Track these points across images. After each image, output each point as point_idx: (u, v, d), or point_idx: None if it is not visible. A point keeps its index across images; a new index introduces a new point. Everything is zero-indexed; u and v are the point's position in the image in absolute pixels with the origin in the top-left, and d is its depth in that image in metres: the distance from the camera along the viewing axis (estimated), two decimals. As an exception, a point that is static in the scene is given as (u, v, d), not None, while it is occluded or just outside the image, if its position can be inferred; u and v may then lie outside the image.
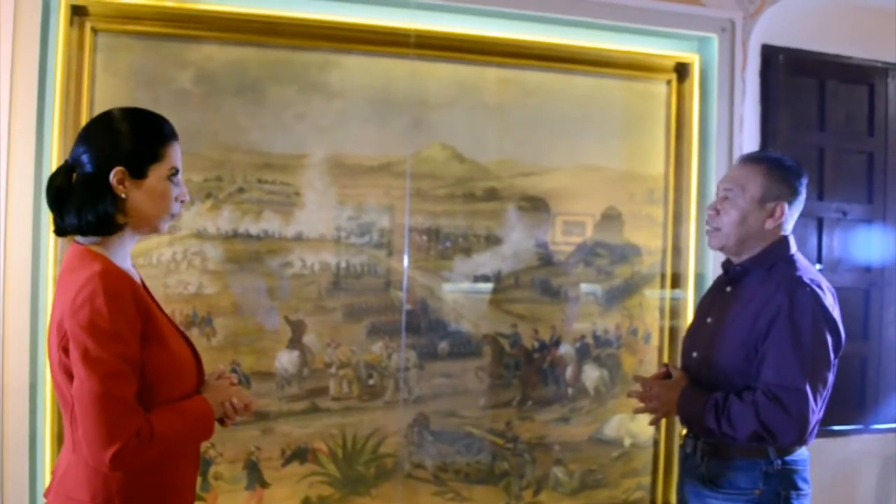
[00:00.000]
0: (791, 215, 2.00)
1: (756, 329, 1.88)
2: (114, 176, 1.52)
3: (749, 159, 2.04)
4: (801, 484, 1.93)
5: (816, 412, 1.84)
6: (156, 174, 1.56)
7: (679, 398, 1.96)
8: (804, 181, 2.00)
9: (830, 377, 1.88)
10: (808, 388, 1.81)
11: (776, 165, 1.99)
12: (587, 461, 2.90)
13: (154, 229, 1.62)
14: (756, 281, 1.96)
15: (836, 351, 1.88)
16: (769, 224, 1.96)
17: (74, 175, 1.54)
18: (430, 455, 2.74)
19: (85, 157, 1.53)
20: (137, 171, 1.54)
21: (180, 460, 1.61)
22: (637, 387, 2.08)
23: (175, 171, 1.59)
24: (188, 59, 2.51)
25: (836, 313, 1.89)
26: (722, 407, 1.86)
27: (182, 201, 1.63)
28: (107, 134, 1.55)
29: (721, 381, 1.93)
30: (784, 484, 1.90)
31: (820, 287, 1.89)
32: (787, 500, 1.90)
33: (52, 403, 2.36)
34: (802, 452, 1.96)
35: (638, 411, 2.06)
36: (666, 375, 2.05)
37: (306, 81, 2.61)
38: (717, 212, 2.01)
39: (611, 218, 2.93)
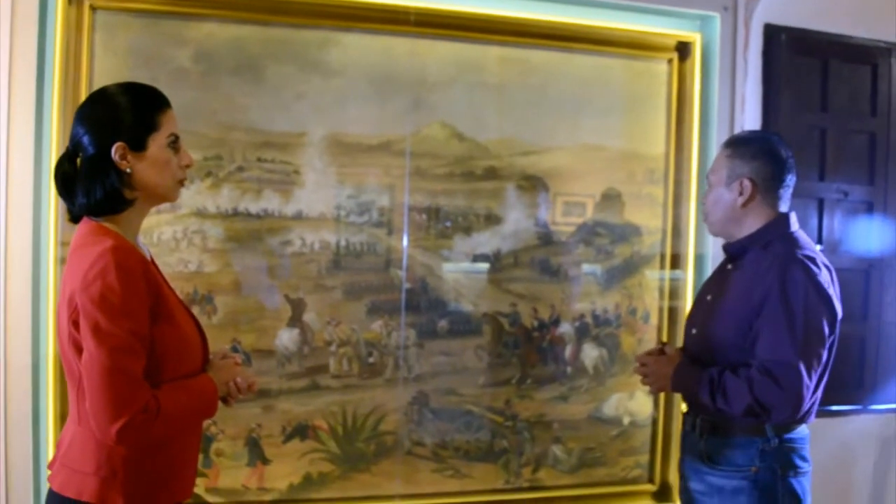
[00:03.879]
0: (770, 191, 1.98)
1: (750, 305, 1.89)
2: (115, 152, 1.53)
3: (723, 145, 2.08)
4: (799, 462, 1.94)
5: (811, 388, 1.84)
6: (156, 143, 1.57)
7: (673, 373, 1.98)
8: (775, 155, 1.98)
9: (825, 353, 1.89)
10: (801, 364, 1.81)
11: (739, 144, 2.03)
12: (586, 439, 2.92)
13: (165, 198, 1.64)
14: (753, 258, 1.97)
15: (830, 327, 1.89)
16: (739, 201, 1.98)
17: (78, 159, 1.55)
18: (429, 432, 2.76)
19: (85, 139, 1.54)
20: (137, 144, 1.55)
21: (184, 436, 1.63)
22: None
23: (175, 138, 1.60)
24: (187, 37, 2.51)
25: (832, 290, 1.90)
26: (717, 382, 1.87)
27: (187, 166, 1.64)
28: (102, 111, 1.56)
29: (717, 357, 1.95)
30: (781, 462, 1.91)
31: (815, 263, 1.89)
32: (784, 478, 1.91)
33: (55, 382, 2.38)
34: (802, 430, 1.97)
35: (643, 384, 2.11)
36: (661, 352, 2.07)
37: (305, 60, 2.60)
38: (705, 200, 2.08)
39: (611, 198, 2.92)
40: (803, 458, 1.96)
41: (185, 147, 1.63)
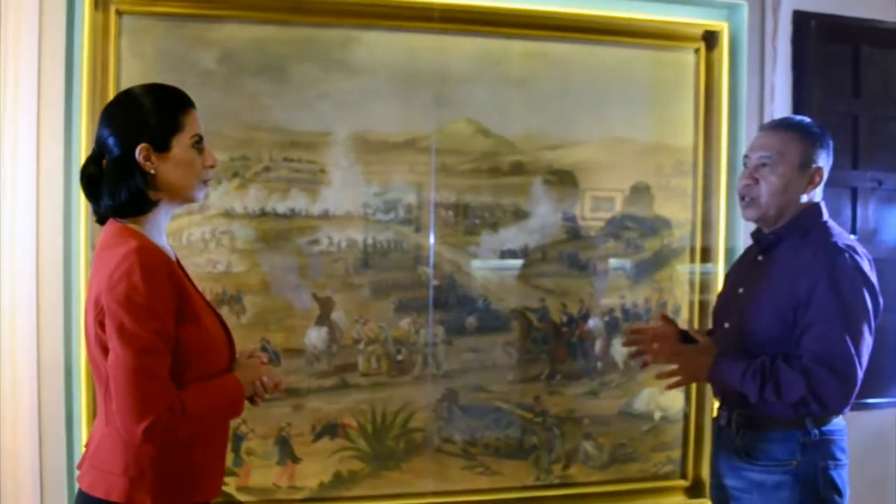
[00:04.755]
0: (825, 182, 1.97)
1: (795, 296, 1.84)
2: (139, 153, 1.54)
3: (779, 126, 2.00)
4: (838, 454, 1.90)
5: (861, 377, 1.81)
6: (179, 144, 1.57)
7: (714, 362, 1.91)
8: (832, 145, 1.97)
9: (872, 342, 1.85)
10: (854, 354, 1.78)
11: (809, 131, 1.95)
12: (617, 435, 2.89)
13: (189, 199, 1.64)
14: (790, 248, 1.92)
15: (875, 316, 1.85)
16: (809, 190, 1.93)
17: (104, 161, 1.56)
18: (459, 430, 2.76)
19: (110, 141, 1.55)
20: (161, 145, 1.56)
21: (211, 436, 1.64)
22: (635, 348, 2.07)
23: (199, 138, 1.60)
24: (211, 39, 2.52)
25: (874, 279, 1.86)
26: (769, 371, 1.82)
27: (211, 167, 1.64)
28: (126, 113, 1.57)
29: (755, 350, 1.90)
30: (822, 454, 1.87)
31: (857, 252, 1.86)
32: (825, 471, 1.87)
33: (87, 384, 2.41)
34: (839, 422, 1.92)
35: (661, 376, 1.98)
36: (686, 338, 2.01)
37: (329, 59, 2.61)
38: (756, 181, 1.95)
39: (640, 191, 2.89)
40: (843, 451, 1.91)
41: (210, 148, 1.64)
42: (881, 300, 1.88)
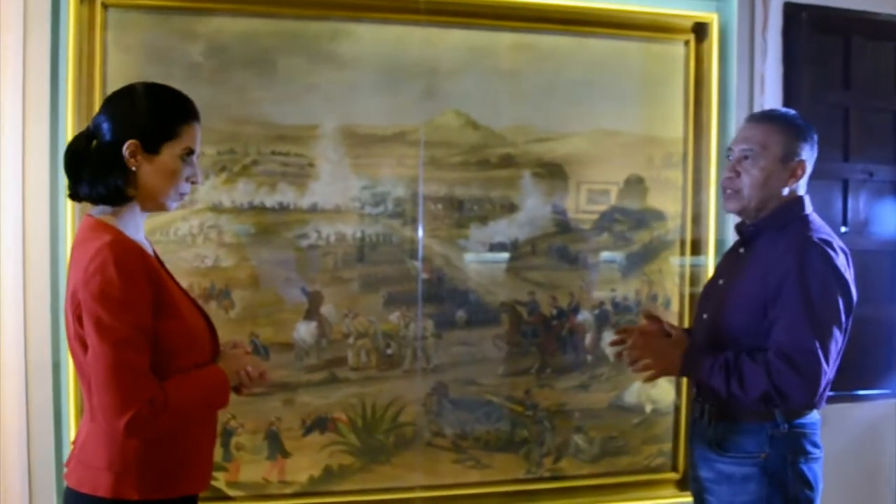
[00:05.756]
0: (808, 175, 1.96)
1: (765, 289, 1.85)
2: (126, 148, 1.54)
3: (762, 118, 2.00)
4: (809, 448, 1.90)
5: (827, 374, 1.80)
6: (169, 152, 1.58)
7: (683, 355, 1.92)
8: (816, 138, 1.96)
9: (841, 339, 1.85)
10: (819, 350, 1.77)
11: (792, 123, 1.95)
12: (607, 428, 2.89)
13: (159, 206, 1.64)
14: (768, 241, 1.92)
15: (847, 312, 1.84)
16: (791, 183, 1.92)
17: (94, 142, 1.57)
18: (449, 423, 2.75)
19: (105, 126, 1.56)
20: (151, 146, 1.56)
21: (197, 429, 1.64)
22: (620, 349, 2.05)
23: (190, 152, 1.61)
24: (198, 32, 2.51)
25: (848, 274, 1.85)
26: (733, 366, 1.83)
27: (193, 182, 1.64)
28: (127, 106, 1.58)
29: (729, 341, 1.90)
30: (791, 448, 1.88)
31: (831, 247, 1.84)
32: (794, 464, 1.87)
33: (75, 380, 2.40)
34: (813, 416, 1.92)
35: (637, 369, 1.98)
36: (665, 333, 2.02)
37: (317, 52, 2.59)
38: (738, 173, 1.95)
39: (633, 184, 2.88)
40: (814, 444, 1.91)
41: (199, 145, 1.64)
42: (854, 296, 1.87)
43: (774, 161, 1.92)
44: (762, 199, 1.94)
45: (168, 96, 1.62)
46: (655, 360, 1.95)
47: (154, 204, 1.63)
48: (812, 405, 1.89)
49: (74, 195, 1.60)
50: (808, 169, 1.95)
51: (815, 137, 1.96)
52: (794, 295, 1.80)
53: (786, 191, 1.94)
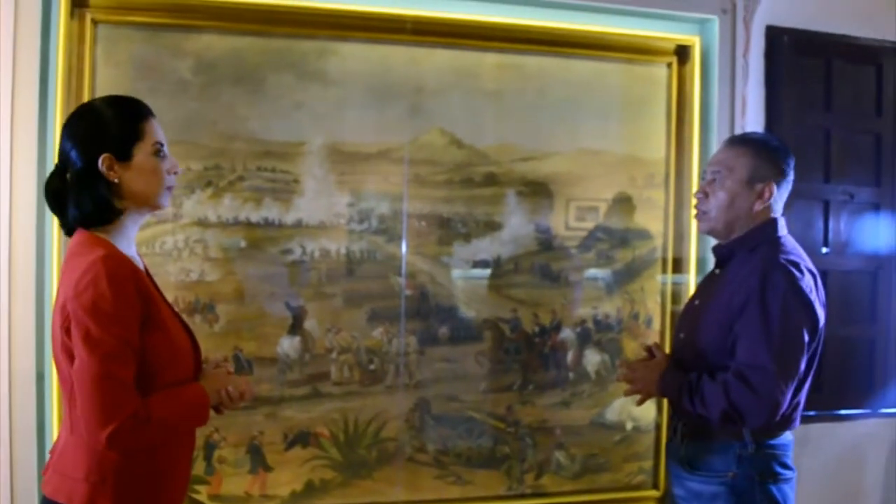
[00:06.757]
0: (780, 197, 1.99)
1: (731, 309, 1.88)
2: (102, 163, 1.56)
3: (735, 141, 2.04)
4: (779, 469, 1.92)
5: (786, 394, 1.81)
6: (142, 152, 1.61)
7: (659, 379, 1.97)
8: (791, 162, 1.99)
9: (804, 360, 1.86)
10: (775, 369, 1.79)
11: (763, 146, 1.98)
12: (589, 445, 2.91)
13: (155, 205, 1.67)
14: (739, 262, 1.96)
15: (811, 333, 1.86)
16: (758, 206, 1.96)
17: (68, 175, 1.59)
18: (431, 439, 2.77)
19: (73, 154, 1.58)
20: (123, 154, 1.59)
21: (175, 444, 1.66)
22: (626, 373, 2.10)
23: (160, 146, 1.64)
24: (187, 48, 2.54)
25: (814, 296, 1.87)
26: (695, 387, 1.86)
27: (175, 172, 1.67)
28: (86, 125, 1.60)
29: (701, 361, 1.94)
30: (760, 468, 1.90)
31: (798, 268, 1.87)
32: (762, 485, 1.89)
33: (58, 391, 2.40)
34: (785, 437, 1.95)
35: (627, 393, 2.08)
36: (652, 356, 2.06)
37: (304, 69, 2.63)
38: (706, 195, 2.00)
39: (621, 203, 2.92)
40: (784, 465, 1.93)
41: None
42: (820, 316, 1.89)
43: (740, 183, 1.96)
44: (728, 220, 1.98)
45: (120, 102, 1.65)
46: (638, 382, 2.04)
47: (149, 206, 1.66)
48: (783, 425, 1.91)
49: (68, 230, 1.62)
50: (778, 192, 1.98)
51: (790, 160, 1.99)
52: (754, 314, 1.82)
53: (755, 212, 1.96)
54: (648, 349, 2.10)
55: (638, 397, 2.08)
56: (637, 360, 2.08)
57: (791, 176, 2.00)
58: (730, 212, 1.97)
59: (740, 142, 2.02)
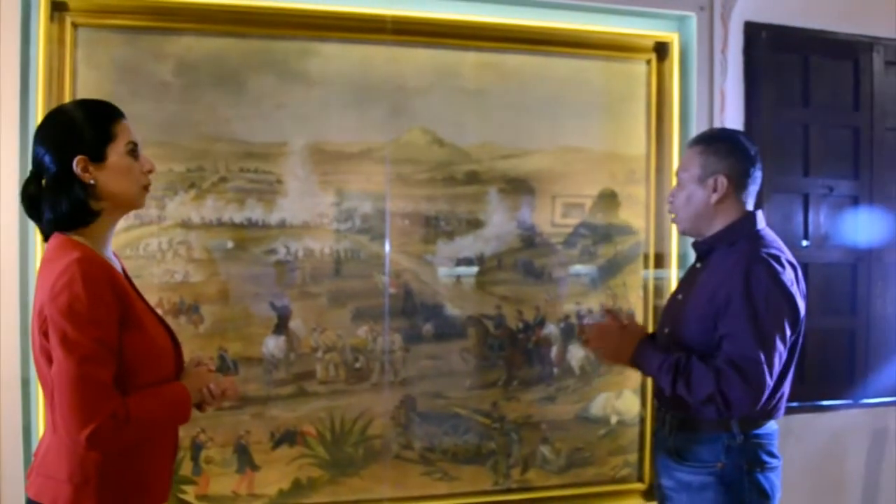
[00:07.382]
0: (743, 189, 2.01)
1: (714, 303, 1.90)
2: (77, 165, 1.57)
3: (692, 142, 2.10)
4: (766, 458, 1.95)
5: (770, 384, 1.85)
6: (115, 153, 1.61)
7: (636, 348, 1.99)
8: (746, 152, 2.01)
9: (785, 351, 1.90)
10: (764, 360, 1.83)
11: (710, 141, 2.04)
12: (574, 439, 2.93)
13: (131, 205, 1.68)
14: (720, 257, 1.99)
15: (792, 326, 1.90)
16: (713, 199, 1.99)
17: (42, 180, 1.60)
18: (417, 436, 2.78)
19: (46, 159, 1.59)
20: (97, 155, 1.59)
21: (157, 443, 1.67)
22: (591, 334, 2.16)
23: (133, 145, 1.65)
24: (168, 51, 2.54)
25: (794, 289, 1.90)
26: (683, 367, 1.88)
27: (150, 171, 1.68)
28: (59, 129, 1.61)
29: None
30: (747, 458, 1.93)
31: (778, 261, 1.90)
32: (750, 474, 1.92)
33: (44, 396, 2.41)
34: (769, 426, 1.98)
35: (591, 351, 2.15)
36: (623, 327, 2.09)
37: (285, 70, 2.64)
38: (675, 197, 2.07)
39: (605, 198, 2.94)
40: (771, 454, 1.97)
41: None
42: (801, 309, 1.93)
43: (694, 181, 2.02)
44: (690, 217, 2.04)
45: (90, 105, 1.66)
46: (606, 347, 2.07)
47: (126, 205, 1.67)
48: (768, 415, 1.95)
49: (46, 235, 1.63)
50: (734, 183, 1.99)
51: (745, 151, 2.01)
52: (740, 308, 1.85)
53: (715, 206, 2.00)
54: (610, 313, 2.13)
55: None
56: (609, 325, 2.09)
57: (751, 167, 2.00)
58: (689, 209, 2.03)
59: (693, 141, 2.09)
